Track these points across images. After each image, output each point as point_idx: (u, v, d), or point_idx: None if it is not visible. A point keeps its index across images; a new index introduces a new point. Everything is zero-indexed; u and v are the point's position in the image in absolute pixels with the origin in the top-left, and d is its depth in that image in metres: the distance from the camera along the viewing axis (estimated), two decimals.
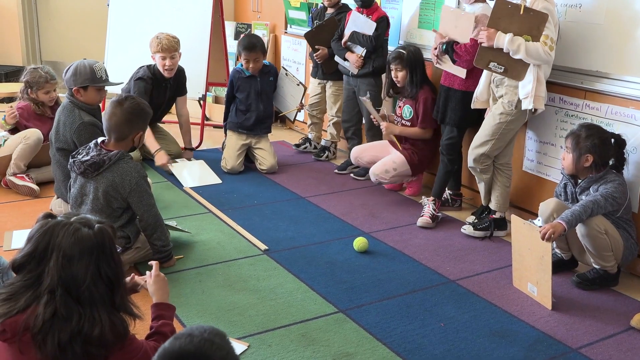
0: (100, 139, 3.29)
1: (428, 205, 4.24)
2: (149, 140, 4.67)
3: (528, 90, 3.56)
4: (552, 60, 3.56)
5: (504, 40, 3.48)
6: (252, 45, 4.97)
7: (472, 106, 3.97)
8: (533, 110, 3.60)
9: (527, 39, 3.46)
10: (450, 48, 3.98)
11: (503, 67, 3.57)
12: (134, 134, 3.24)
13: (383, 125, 4.53)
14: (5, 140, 4.46)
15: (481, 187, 4.10)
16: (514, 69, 3.56)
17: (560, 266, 3.51)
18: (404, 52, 4.41)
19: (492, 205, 4.03)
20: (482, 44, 3.58)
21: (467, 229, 4.01)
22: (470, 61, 3.84)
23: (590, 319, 3.10)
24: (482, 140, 3.86)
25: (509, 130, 3.80)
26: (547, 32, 3.46)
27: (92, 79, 3.84)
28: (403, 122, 4.59)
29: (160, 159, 4.69)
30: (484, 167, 3.93)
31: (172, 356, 1.32)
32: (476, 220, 4.10)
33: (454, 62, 4.02)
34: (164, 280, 2.31)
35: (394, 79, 4.52)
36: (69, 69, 3.87)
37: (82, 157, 3.21)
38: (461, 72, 4.01)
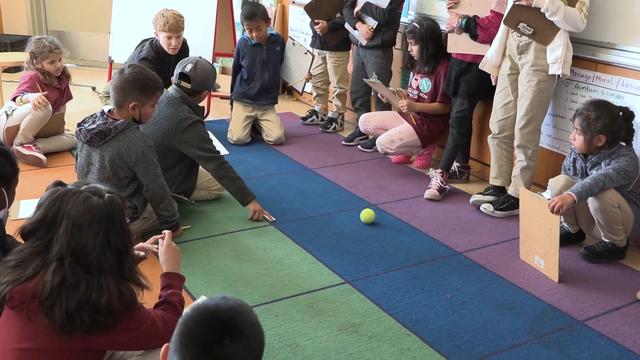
0: (107, 108, 3.27)
1: (436, 177, 4.23)
2: None
3: (558, 55, 3.47)
4: (583, 29, 3.47)
5: (544, 0, 3.39)
6: (251, 13, 4.93)
7: (480, 67, 3.90)
8: (561, 75, 3.52)
9: (564, 3, 3.39)
10: (472, 23, 3.92)
11: (532, 30, 3.48)
12: (128, 103, 3.17)
13: (403, 103, 4.48)
14: (14, 111, 4.46)
15: (522, 172, 3.80)
16: (543, 32, 3.47)
17: (567, 239, 3.50)
18: (418, 26, 4.37)
19: (515, 191, 3.83)
20: (518, 3, 3.49)
21: (488, 208, 3.91)
22: (494, 34, 3.79)
23: (597, 291, 3.10)
24: (528, 116, 3.66)
25: (548, 96, 3.66)
26: None
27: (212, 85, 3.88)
28: (421, 94, 4.56)
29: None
30: (536, 147, 3.75)
31: (208, 310, 1.33)
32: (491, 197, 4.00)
33: (475, 38, 3.94)
34: (175, 250, 2.31)
35: (410, 52, 4.50)
36: (195, 68, 3.66)
37: (89, 126, 3.20)
38: (483, 50, 3.94)
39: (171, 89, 3.71)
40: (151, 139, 3.54)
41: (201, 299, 2.82)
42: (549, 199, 3.13)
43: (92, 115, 3.28)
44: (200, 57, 3.77)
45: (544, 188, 3.52)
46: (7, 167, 2.20)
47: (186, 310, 1.38)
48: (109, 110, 3.25)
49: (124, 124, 3.16)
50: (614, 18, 3.54)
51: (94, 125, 3.17)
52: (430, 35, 4.36)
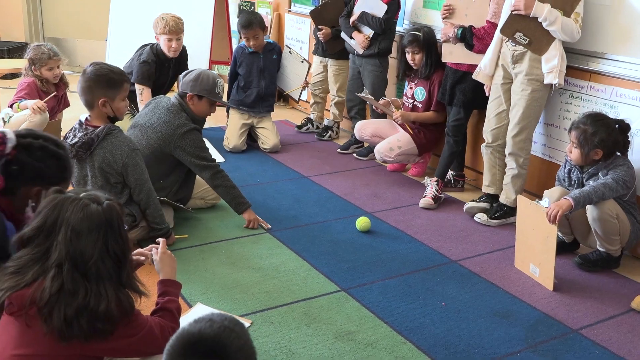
0: (83, 117, 3.25)
1: (431, 186, 4.24)
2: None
3: (554, 65, 3.51)
4: (578, 39, 3.53)
5: (542, 10, 3.44)
6: (249, 22, 4.96)
7: (474, 76, 3.94)
8: (557, 85, 3.56)
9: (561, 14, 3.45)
10: (468, 33, 3.95)
11: (528, 39, 3.52)
12: (97, 100, 3.12)
13: (397, 114, 4.50)
14: (11, 117, 4.46)
15: (513, 180, 3.83)
16: (539, 42, 3.52)
17: (561, 248, 3.50)
18: (419, 34, 4.38)
19: (507, 199, 3.88)
20: (516, 12, 3.53)
21: (482, 217, 3.93)
22: (489, 44, 3.83)
23: (591, 300, 3.12)
24: (521, 125, 3.70)
25: (540, 105, 3.71)
26: (578, 9, 3.45)
27: (210, 92, 3.65)
28: (415, 103, 4.58)
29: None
30: (527, 156, 3.79)
31: (191, 338, 1.33)
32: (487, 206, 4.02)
33: (471, 47, 3.98)
34: (171, 257, 2.32)
35: (411, 62, 4.49)
36: (190, 72, 3.69)
37: (71, 141, 3.17)
38: (478, 60, 3.96)
39: (173, 97, 3.72)
40: (147, 145, 3.55)
41: (197, 307, 2.83)
42: (546, 207, 3.14)
43: (71, 129, 3.24)
44: (205, 70, 3.78)
45: (536, 196, 3.54)
46: (53, 171, 2.14)
47: (172, 337, 1.37)
48: (86, 119, 3.22)
49: (104, 130, 3.14)
50: (605, 28, 3.57)
51: (76, 139, 3.15)
52: (432, 42, 4.41)
